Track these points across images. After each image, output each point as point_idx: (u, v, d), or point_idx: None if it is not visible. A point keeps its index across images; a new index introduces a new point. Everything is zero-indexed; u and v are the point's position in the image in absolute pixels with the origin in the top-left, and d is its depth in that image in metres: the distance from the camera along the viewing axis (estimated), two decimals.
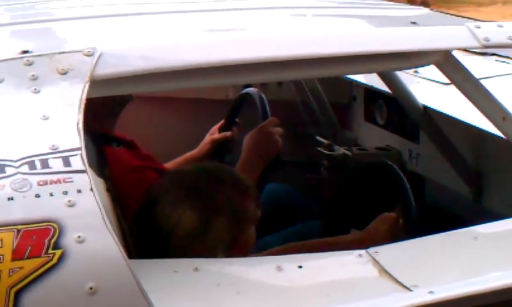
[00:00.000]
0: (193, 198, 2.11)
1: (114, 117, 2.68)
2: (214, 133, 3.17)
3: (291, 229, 3.10)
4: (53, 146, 1.71)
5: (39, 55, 1.87)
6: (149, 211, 2.13)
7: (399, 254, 2.02)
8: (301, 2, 2.89)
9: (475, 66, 2.80)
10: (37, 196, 1.64)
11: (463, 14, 2.99)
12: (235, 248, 2.13)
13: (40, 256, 1.59)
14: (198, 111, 3.37)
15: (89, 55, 1.88)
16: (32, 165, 1.67)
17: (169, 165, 3.06)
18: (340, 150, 3.27)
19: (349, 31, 2.38)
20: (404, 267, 1.93)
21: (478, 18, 2.69)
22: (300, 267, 1.89)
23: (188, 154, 3.15)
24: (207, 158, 3.14)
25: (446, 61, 2.36)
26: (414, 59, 2.31)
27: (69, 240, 1.61)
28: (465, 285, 1.87)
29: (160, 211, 2.10)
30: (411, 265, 1.96)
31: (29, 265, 1.58)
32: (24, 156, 1.69)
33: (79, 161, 1.69)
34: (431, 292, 1.81)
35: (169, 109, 3.68)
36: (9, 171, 1.66)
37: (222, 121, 3.19)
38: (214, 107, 3.24)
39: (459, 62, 2.39)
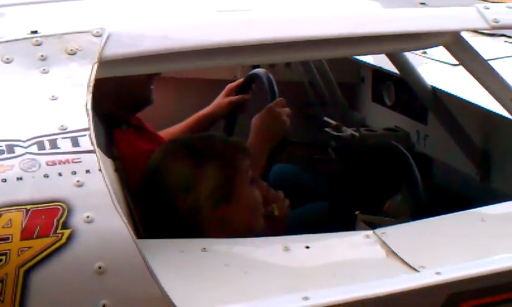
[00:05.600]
0: (184, 150, 2.25)
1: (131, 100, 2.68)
2: (228, 93, 3.18)
3: (298, 210, 3.10)
4: (62, 126, 1.71)
5: (48, 36, 1.87)
6: (151, 179, 2.24)
7: (406, 235, 2.02)
8: None
9: (484, 47, 2.79)
10: (46, 176, 1.64)
11: None
12: (231, 202, 2.21)
13: (48, 236, 1.60)
14: (206, 91, 3.36)
15: (98, 35, 1.88)
16: (41, 145, 1.68)
17: (180, 126, 3.07)
18: (348, 131, 3.26)
19: (357, 12, 2.37)
20: (411, 248, 1.93)
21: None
22: (307, 247, 1.90)
23: (200, 113, 3.15)
24: (220, 117, 3.15)
25: (455, 42, 2.35)
26: (423, 40, 2.31)
27: (78, 219, 1.62)
28: (472, 266, 1.87)
29: (159, 173, 2.23)
30: (418, 246, 1.97)
31: (38, 244, 1.59)
32: (33, 136, 1.70)
33: (87, 141, 1.70)
34: (438, 273, 1.82)
35: (177, 89, 3.68)
36: (18, 151, 1.67)
37: (238, 81, 3.19)
38: (222, 87, 3.23)
39: (468, 44, 2.38)
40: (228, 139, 2.41)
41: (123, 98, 2.58)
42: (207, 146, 2.28)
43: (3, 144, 1.68)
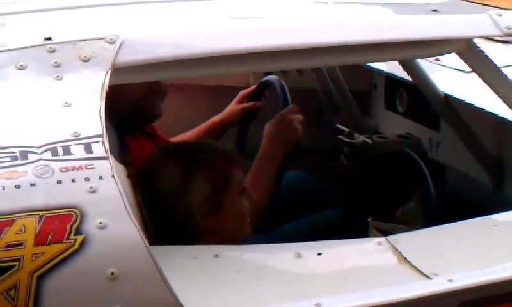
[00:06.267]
0: (176, 158, 2.26)
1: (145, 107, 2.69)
2: (241, 99, 3.19)
3: (310, 217, 3.10)
4: (75, 132, 1.72)
5: (61, 43, 1.88)
6: (146, 177, 2.26)
7: (419, 242, 2.02)
8: None
9: (497, 54, 2.78)
10: (59, 182, 1.65)
11: (485, 1, 2.97)
12: (220, 212, 2.22)
13: (61, 242, 1.61)
14: (218, 98, 3.37)
15: (111, 42, 1.89)
16: (54, 151, 1.69)
17: (192, 133, 3.08)
18: (361, 138, 3.26)
19: (370, 19, 2.37)
20: (424, 255, 1.93)
21: (500, 6, 2.67)
22: (320, 254, 1.90)
23: (213, 119, 3.16)
24: (233, 124, 3.16)
25: (467, 49, 2.35)
26: (435, 47, 2.31)
27: (90, 226, 1.62)
28: (484, 273, 1.87)
29: (152, 176, 2.26)
30: (431, 253, 1.96)
31: (51, 250, 1.60)
32: (47, 142, 1.70)
33: (100, 148, 1.71)
34: (450, 280, 1.82)
35: (190, 96, 3.69)
36: (31, 157, 1.68)
37: (251, 88, 3.20)
38: (234, 94, 3.24)
39: (481, 50, 2.38)
40: (220, 148, 2.39)
41: (129, 110, 2.60)
42: (198, 155, 2.28)
43: (17, 150, 1.68)
